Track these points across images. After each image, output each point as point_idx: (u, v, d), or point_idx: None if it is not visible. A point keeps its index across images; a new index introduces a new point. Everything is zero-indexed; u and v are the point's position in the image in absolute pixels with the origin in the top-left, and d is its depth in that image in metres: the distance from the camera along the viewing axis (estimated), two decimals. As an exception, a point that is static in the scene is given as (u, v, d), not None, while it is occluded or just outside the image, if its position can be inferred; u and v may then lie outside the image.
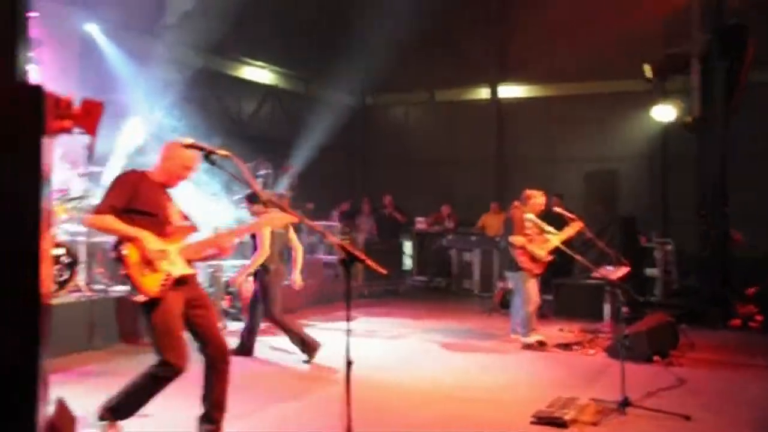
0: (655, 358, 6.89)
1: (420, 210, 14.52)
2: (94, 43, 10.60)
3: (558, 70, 15.01)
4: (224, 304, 8.29)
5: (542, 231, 7.70)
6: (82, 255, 7.36)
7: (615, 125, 14.35)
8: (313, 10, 14.72)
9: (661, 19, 12.47)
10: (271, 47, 14.03)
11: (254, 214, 6.79)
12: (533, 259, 7.67)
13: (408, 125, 17.25)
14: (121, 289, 7.18)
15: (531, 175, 13.16)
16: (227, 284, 8.45)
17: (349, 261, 3.36)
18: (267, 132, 14.33)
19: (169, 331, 3.92)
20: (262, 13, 12.88)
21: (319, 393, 5.62)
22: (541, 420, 4.91)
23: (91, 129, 1.02)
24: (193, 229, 4.25)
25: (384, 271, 3.77)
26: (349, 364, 3.32)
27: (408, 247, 14.55)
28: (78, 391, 5.34)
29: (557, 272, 9.83)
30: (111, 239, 4.15)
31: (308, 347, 6.64)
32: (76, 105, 0.99)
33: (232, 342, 6.39)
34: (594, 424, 4.89)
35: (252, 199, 6.83)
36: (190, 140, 3.95)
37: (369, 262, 3.49)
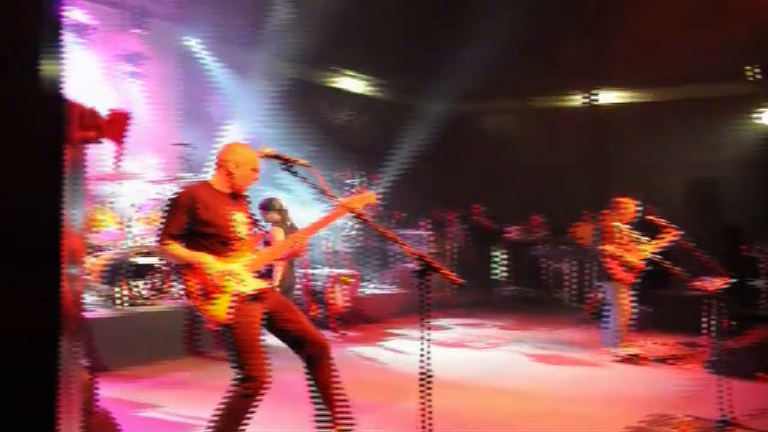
0: (760, 375, 6.50)
1: (511, 218, 14.30)
2: (193, 56, 11.03)
3: (656, 75, 14.46)
4: (312, 312, 8.39)
5: (632, 240, 7.44)
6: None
7: (716, 130, 13.68)
8: (407, 20, 14.79)
9: (765, 19, 11.82)
10: (364, 57, 14.18)
11: (268, 221, 6.79)
12: (625, 268, 7.41)
13: (500, 133, 17.04)
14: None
15: (628, 183, 12.71)
16: (314, 292, 8.57)
17: (424, 270, 3.31)
18: (359, 141, 14.47)
19: (250, 347, 3.79)
20: (355, 23, 13.04)
21: (401, 405, 5.54)
22: (632, 437, 4.72)
23: (117, 139, 1.04)
24: (259, 237, 4.09)
25: (459, 281, 3.70)
26: (427, 376, 3.24)
27: (499, 256, 14.35)
28: (169, 397, 5.54)
29: (654, 283, 9.44)
30: None
31: None
32: (102, 116, 1.01)
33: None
34: (689, 443, 4.66)
35: (266, 207, 6.84)
36: (269, 149, 3.95)
37: (445, 271, 3.43)
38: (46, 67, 0.93)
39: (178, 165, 8.03)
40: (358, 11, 12.46)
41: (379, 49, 14.08)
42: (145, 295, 6.96)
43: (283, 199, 10.26)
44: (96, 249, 7.31)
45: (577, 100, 16.15)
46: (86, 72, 9.24)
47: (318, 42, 11.12)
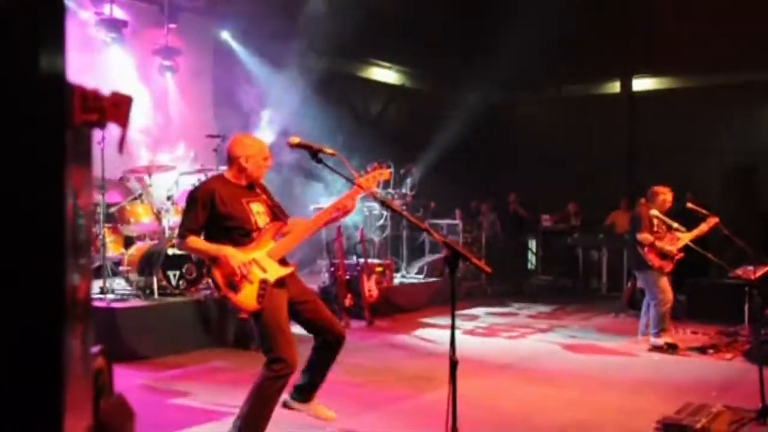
0: (801, 364, 6.33)
1: (546, 208, 14.17)
2: (226, 49, 11.10)
3: (694, 61, 14.14)
4: (346, 302, 8.42)
5: (670, 228, 7.32)
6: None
7: (755, 117, 13.37)
8: (440, 10, 14.70)
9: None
10: (397, 48, 14.13)
11: None
12: (662, 256, 7.30)
13: (535, 122, 16.84)
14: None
15: (665, 171, 12.46)
16: (348, 282, 8.59)
17: (453, 259, 3.29)
18: (393, 131, 14.46)
19: (279, 330, 3.88)
20: (388, 14, 13.00)
21: (431, 394, 5.46)
22: (667, 427, 4.62)
23: (120, 121, 1.03)
24: (280, 225, 4.12)
25: (488, 270, 3.69)
26: (454, 364, 3.23)
27: (533, 245, 14.23)
28: (201, 386, 5.62)
29: (691, 271, 9.28)
30: None
31: None
32: (106, 97, 1.00)
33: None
34: (727, 434, 4.57)
35: None
36: (297, 139, 3.97)
37: (474, 260, 3.41)
38: (46, 48, 0.92)
39: (212, 157, 8.11)
40: (393, 2, 12.42)
41: (413, 39, 14.02)
42: (181, 286, 7.04)
43: (318, 190, 10.38)
44: (133, 240, 7.43)
45: (613, 87, 15.90)
46: (121, 67, 9.38)
47: (352, 32, 11.12)
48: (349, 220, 9.55)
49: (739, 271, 6.62)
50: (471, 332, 8.34)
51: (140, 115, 9.30)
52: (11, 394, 0.92)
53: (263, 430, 3.88)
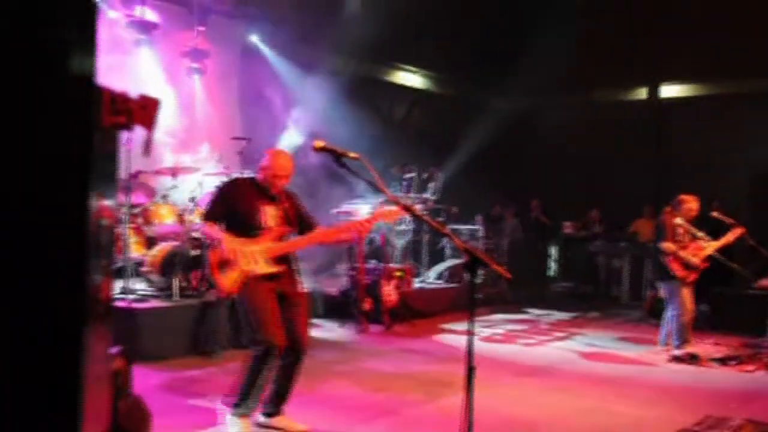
0: (825, 378, 6.25)
1: (570, 214, 14.07)
2: (255, 52, 11.17)
3: (723, 68, 13.97)
4: (366, 306, 8.44)
5: (694, 237, 7.24)
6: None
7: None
8: (466, 14, 14.68)
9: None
10: (423, 51, 14.14)
11: None
12: (686, 266, 7.23)
13: (561, 127, 16.70)
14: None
15: (691, 179, 12.33)
16: (368, 286, 8.61)
17: (473, 265, 3.29)
18: (417, 135, 14.46)
19: (262, 313, 4.29)
20: (415, 18, 13.00)
21: (447, 399, 5.44)
22: (685, 439, 4.60)
23: (148, 124, 1.06)
24: (285, 229, 4.56)
25: (509, 275, 3.69)
26: (471, 369, 3.23)
27: (554, 252, 14.14)
28: (219, 388, 5.65)
29: (716, 281, 9.16)
30: None
31: None
32: (133, 100, 1.03)
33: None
34: (747, 447, 4.52)
35: None
36: (321, 143, 4.00)
37: (494, 265, 3.42)
38: (77, 51, 0.95)
39: (236, 159, 8.17)
40: (420, 6, 12.42)
41: (439, 43, 14.02)
42: (201, 287, 7.11)
43: (341, 193, 10.38)
44: (156, 241, 7.50)
45: (639, 94, 15.76)
46: (149, 68, 9.48)
47: (379, 36, 11.14)
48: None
49: (764, 282, 6.54)
50: (489, 339, 8.32)
51: (166, 117, 9.39)
52: (31, 393, 0.94)
53: (252, 407, 4.33)
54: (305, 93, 11.20)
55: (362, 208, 9.61)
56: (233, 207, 4.49)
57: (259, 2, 10.85)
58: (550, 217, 14.17)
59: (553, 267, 13.96)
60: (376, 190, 4.11)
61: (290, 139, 10.75)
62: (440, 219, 11.05)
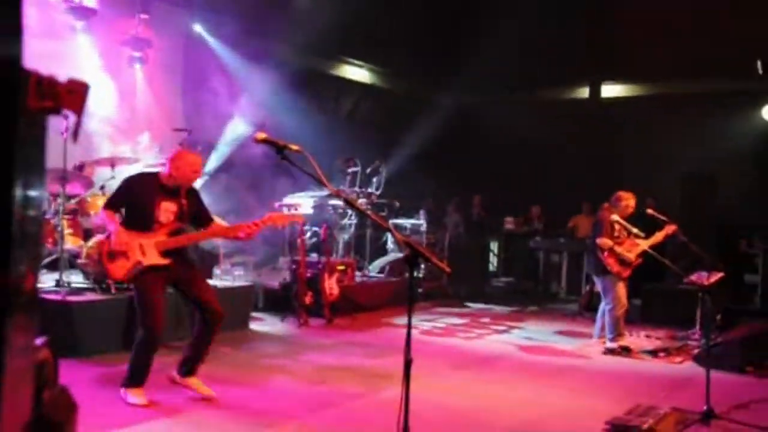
0: (749, 368, 6.53)
1: (510, 210, 14.29)
2: (199, 41, 10.98)
3: (662, 68, 14.37)
4: (306, 299, 8.43)
5: (629, 234, 7.46)
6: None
7: (719, 125, 13.63)
8: (413, 11, 14.73)
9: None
10: (369, 46, 14.13)
11: None
12: (621, 262, 7.44)
13: (504, 125, 16.91)
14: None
15: (628, 176, 12.68)
16: (309, 280, 8.59)
17: (413, 258, 3.33)
18: (363, 130, 14.45)
19: (148, 303, 4.69)
20: (362, 13, 12.99)
21: (386, 392, 5.42)
22: (615, 427, 4.74)
23: (76, 108, 1.05)
24: (177, 225, 4.86)
25: (448, 270, 3.75)
26: (408, 362, 3.27)
27: (495, 247, 14.35)
28: (151, 383, 5.56)
29: (647, 276, 9.47)
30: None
31: None
32: (61, 83, 1.01)
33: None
34: (672, 435, 4.69)
35: None
36: (262, 135, 3.99)
37: (434, 259, 3.46)
38: (0, 32, 0.92)
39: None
40: (368, 1, 12.42)
41: (386, 38, 14.03)
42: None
43: (286, 185, 10.33)
44: (92, 233, 7.32)
45: (582, 93, 16.10)
46: (87, 55, 9.23)
47: (325, 30, 11.09)
48: (313, 217, 9.56)
49: (693, 277, 6.76)
50: (429, 332, 8.41)
51: (104, 106, 9.17)
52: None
53: (143, 381, 4.77)
54: (251, 84, 11.09)
55: (306, 201, 9.60)
56: (134, 199, 4.82)
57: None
58: (491, 213, 14.36)
59: (493, 262, 14.16)
60: (318, 183, 4.12)
61: (235, 129, 10.64)
62: (383, 213, 11.09)
